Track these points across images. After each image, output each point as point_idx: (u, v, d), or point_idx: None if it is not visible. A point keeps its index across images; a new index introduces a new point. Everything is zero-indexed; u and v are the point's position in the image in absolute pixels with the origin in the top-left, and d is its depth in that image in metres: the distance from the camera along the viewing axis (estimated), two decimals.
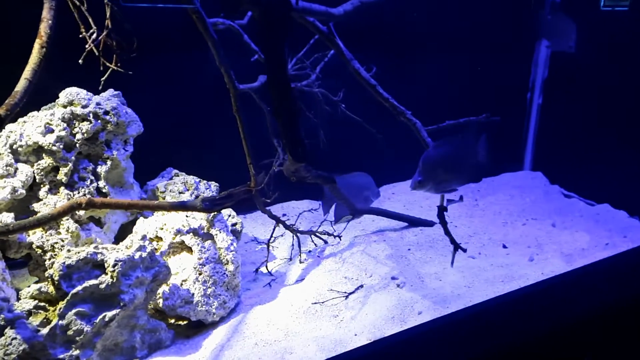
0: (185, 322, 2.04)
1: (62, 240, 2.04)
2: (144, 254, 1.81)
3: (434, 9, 2.81)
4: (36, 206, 2.04)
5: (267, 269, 2.33)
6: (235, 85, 2.04)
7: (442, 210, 2.09)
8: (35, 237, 2.01)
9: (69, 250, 1.72)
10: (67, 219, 2.05)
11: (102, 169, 2.17)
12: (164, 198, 2.35)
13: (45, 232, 2.03)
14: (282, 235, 2.57)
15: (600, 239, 2.43)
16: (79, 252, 1.72)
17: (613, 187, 2.70)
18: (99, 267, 1.75)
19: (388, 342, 1.87)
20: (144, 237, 1.85)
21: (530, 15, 2.94)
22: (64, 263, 1.69)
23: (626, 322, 2.19)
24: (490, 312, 2.14)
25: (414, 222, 2.61)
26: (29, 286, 1.77)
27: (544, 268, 2.23)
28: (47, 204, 2.04)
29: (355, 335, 1.94)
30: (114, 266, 1.73)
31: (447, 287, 2.20)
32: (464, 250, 2.13)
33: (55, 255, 2.02)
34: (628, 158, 2.59)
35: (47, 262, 2.02)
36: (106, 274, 1.74)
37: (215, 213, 2.08)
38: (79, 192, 2.11)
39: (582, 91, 2.85)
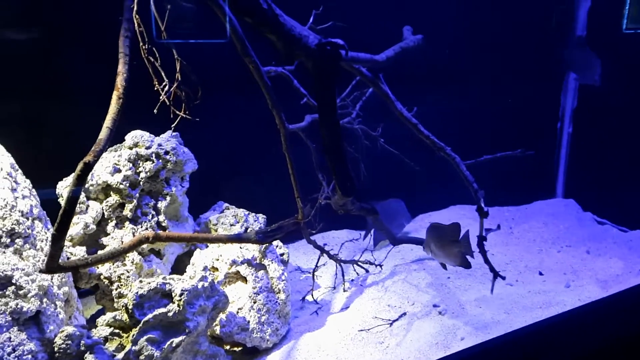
0: (240, 349, 2.17)
1: (128, 272, 2.21)
2: (206, 284, 1.96)
3: (464, 44, 2.97)
4: (104, 240, 2.23)
5: (313, 298, 2.46)
6: (285, 125, 2.21)
7: (481, 239, 2.20)
8: (104, 268, 2.19)
9: (140, 281, 1.89)
10: (132, 252, 2.23)
11: (162, 204, 2.36)
12: (216, 230, 2.52)
13: (113, 264, 2.21)
14: (324, 265, 2.71)
15: (634, 264, 2.49)
16: (149, 283, 1.88)
17: None
18: (167, 296, 1.91)
19: None
20: (205, 268, 2.00)
21: (559, 47, 3.07)
22: (137, 293, 1.86)
23: None
24: (530, 337, 2.22)
25: None
26: (93, 314, 1.94)
27: (580, 294, 2.30)
28: (114, 237, 2.23)
29: None
30: (180, 295, 1.89)
31: (487, 313, 2.29)
32: (503, 278, 2.23)
33: (121, 285, 2.19)
34: None
35: (114, 292, 2.20)
36: (173, 302, 1.89)
37: (267, 245, 2.23)
38: (141, 226, 2.29)
39: (611, 119, 2.94)
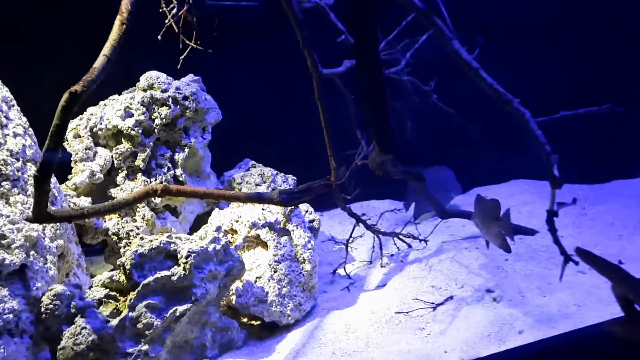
0: (258, 323, 1.90)
1: (138, 228, 1.98)
2: (218, 247, 1.69)
3: None
4: (113, 191, 2.00)
5: (345, 271, 2.15)
6: (318, 69, 1.88)
7: (551, 215, 1.79)
8: (111, 223, 1.96)
9: (142, 238, 1.63)
10: (144, 207, 1.99)
11: (179, 157, 2.10)
12: (240, 189, 2.24)
13: (122, 219, 1.98)
14: (361, 236, 2.38)
15: None
16: (152, 241, 1.63)
17: None
18: (171, 257, 1.65)
19: None
20: (218, 229, 1.73)
21: None
22: (136, 251, 1.60)
23: None
24: (606, 337, 1.82)
25: (521, 231, 2.31)
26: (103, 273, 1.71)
27: None
28: (125, 189, 1.99)
29: (445, 352, 1.70)
30: (186, 257, 1.62)
31: (552, 304, 1.90)
32: (576, 263, 1.82)
33: (130, 243, 1.96)
34: None
35: (122, 250, 1.97)
36: (179, 265, 1.63)
37: (293, 207, 1.93)
38: (156, 179, 2.04)
39: None
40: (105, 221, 1.95)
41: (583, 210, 2.49)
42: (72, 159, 1.93)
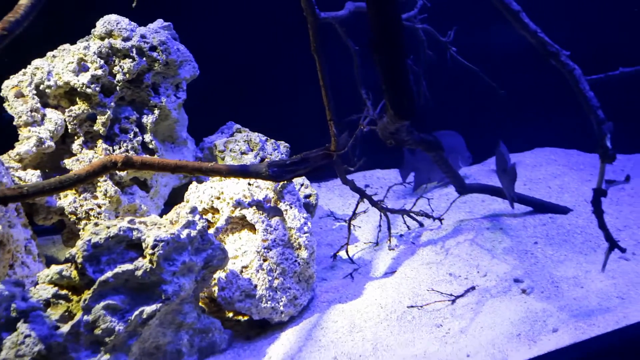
0: (246, 319, 1.60)
1: (99, 207, 1.65)
2: (194, 232, 1.38)
3: None
4: (68, 162, 1.65)
5: (347, 255, 1.85)
6: (315, 12, 1.51)
7: (598, 194, 1.48)
8: (66, 201, 1.63)
9: (96, 225, 1.30)
10: (105, 180, 1.65)
11: (148, 120, 1.74)
12: (223, 159, 1.90)
13: (79, 196, 1.64)
14: (365, 212, 2.07)
15: None
16: (109, 227, 1.30)
17: None
18: (135, 247, 1.34)
19: None
20: (193, 211, 1.40)
21: None
22: (89, 241, 1.28)
23: None
24: None
25: (541, 206, 2.00)
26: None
27: None
28: (82, 160, 1.65)
29: (468, 356, 1.44)
30: (153, 247, 1.31)
31: (591, 297, 1.63)
32: (623, 251, 1.53)
33: (90, 224, 1.63)
34: None
35: (82, 232, 1.65)
36: (144, 257, 1.32)
37: (285, 182, 1.59)
38: (120, 147, 1.69)
39: None
40: (59, 199, 1.62)
41: (620, 185, 2.18)
42: (15, 123, 1.58)
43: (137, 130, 1.74)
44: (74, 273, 1.32)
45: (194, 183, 1.75)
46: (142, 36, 1.68)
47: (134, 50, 1.66)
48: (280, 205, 1.59)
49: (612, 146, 1.35)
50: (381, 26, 1.22)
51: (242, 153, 1.86)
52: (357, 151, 1.86)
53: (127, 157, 1.41)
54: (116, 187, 1.67)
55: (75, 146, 1.66)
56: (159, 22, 1.78)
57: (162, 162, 1.48)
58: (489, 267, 1.75)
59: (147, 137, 1.75)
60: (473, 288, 1.70)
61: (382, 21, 1.21)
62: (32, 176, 1.56)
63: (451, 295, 1.65)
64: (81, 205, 1.63)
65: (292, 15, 1.63)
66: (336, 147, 1.63)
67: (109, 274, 1.31)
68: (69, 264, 1.34)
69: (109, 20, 1.66)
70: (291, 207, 1.58)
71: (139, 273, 1.32)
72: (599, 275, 1.71)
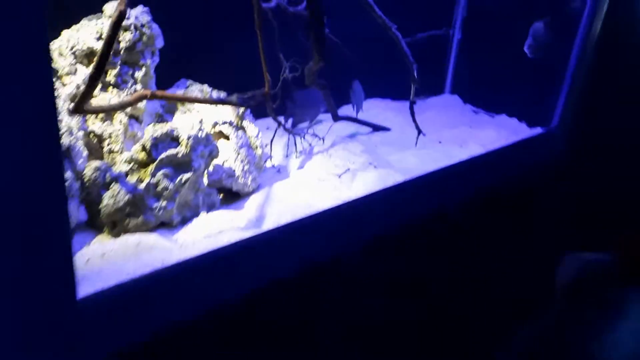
0: (222, 195, 2.59)
1: (117, 130, 2.44)
2: (203, 134, 2.33)
3: None
4: (92, 101, 2.39)
5: (271, 161, 2.94)
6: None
7: (412, 103, 2.89)
8: (95, 126, 2.38)
9: (154, 126, 2.18)
10: (120, 113, 2.45)
11: (138, 74, 2.57)
12: (184, 104, 2.80)
13: (103, 123, 2.41)
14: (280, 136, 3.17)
15: (501, 134, 3.45)
16: (161, 128, 2.19)
17: (507, 104, 3.74)
18: (175, 140, 2.24)
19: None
20: (200, 122, 2.34)
21: None
22: (152, 135, 2.15)
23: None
24: (438, 174, 2.97)
25: (376, 127, 3.39)
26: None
27: (470, 151, 3.16)
28: (102, 99, 2.42)
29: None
30: (187, 140, 2.23)
31: (409, 165, 3.02)
32: (424, 134, 2.97)
33: (112, 142, 2.42)
34: (517, 81, 3.63)
35: (105, 149, 2.42)
36: (181, 145, 2.23)
37: (243, 109, 2.63)
38: (123, 92, 2.50)
39: (493, 30, 3.78)
40: (89, 125, 2.37)
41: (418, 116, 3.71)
42: (58, 74, 2.27)
43: (132, 81, 2.55)
44: (142, 155, 2.15)
45: (178, 114, 2.64)
46: (136, 17, 2.50)
47: (132, 26, 2.48)
48: (243, 123, 2.61)
49: (417, 77, 2.75)
50: (312, 11, 2.35)
51: None
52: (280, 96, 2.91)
53: (153, 92, 2.28)
54: (127, 118, 2.48)
55: (96, 91, 2.41)
56: (141, 7, 2.60)
57: (174, 95, 2.38)
58: (355, 159, 3.02)
59: (138, 87, 2.57)
60: (348, 169, 2.96)
61: (312, 8, 2.34)
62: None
63: (337, 174, 2.88)
64: (105, 130, 2.40)
65: None
66: (268, 90, 2.71)
67: (163, 155, 2.17)
68: (138, 150, 2.16)
69: (115, 5, 2.45)
70: (249, 124, 2.62)
71: (179, 155, 2.22)
72: (409, 156, 3.12)
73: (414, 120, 2.81)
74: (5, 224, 1.34)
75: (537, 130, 3.61)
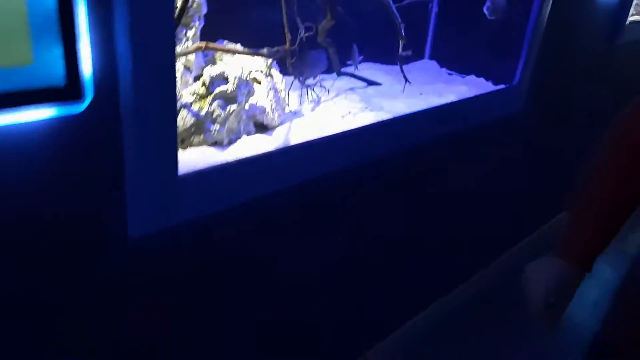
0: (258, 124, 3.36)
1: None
2: (245, 77, 3.09)
3: None
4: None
5: (288, 108, 3.71)
6: None
7: (401, 61, 3.68)
8: None
9: (210, 67, 2.94)
10: (178, 62, 3.19)
11: (190, 33, 3.31)
12: (221, 59, 3.55)
13: None
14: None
15: (472, 88, 4.27)
16: (216, 69, 2.95)
17: (476, 66, 4.56)
18: (225, 79, 3.00)
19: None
20: (242, 67, 3.10)
21: None
22: (210, 75, 2.91)
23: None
24: (416, 117, 3.80)
25: (370, 82, 4.19)
26: None
27: (446, 100, 3.98)
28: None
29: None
30: (234, 79, 2.99)
31: (397, 109, 3.83)
32: (410, 83, 3.77)
33: None
34: (485, 46, 4.44)
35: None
36: (229, 83, 2.99)
37: (271, 60, 3.40)
38: (180, 45, 3.24)
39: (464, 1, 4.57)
40: None
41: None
42: None
43: (185, 38, 3.29)
44: (202, 89, 2.91)
45: (220, 62, 3.39)
46: None
47: None
48: (271, 71, 3.38)
49: (404, 35, 3.53)
50: None
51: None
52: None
53: (207, 44, 3.04)
54: (183, 67, 3.22)
55: None
56: None
57: (222, 47, 3.13)
58: (354, 105, 3.77)
59: (189, 43, 3.32)
60: (349, 112, 3.74)
61: None
62: None
63: (343, 115, 3.67)
64: None
65: None
66: (289, 46, 3.47)
67: (217, 90, 2.93)
68: (199, 86, 2.91)
69: None
70: (276, 72, 3.38)
71: (228, 91, 2.98)
72: (399, 103, 3.92)
73: (402, 71, 3.60)
74: (148, 116, 2.11)
75: (501, 86, 4.44)
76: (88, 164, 2.00)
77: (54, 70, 1.82)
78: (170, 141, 2.30)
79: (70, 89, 1.84)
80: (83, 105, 1.90)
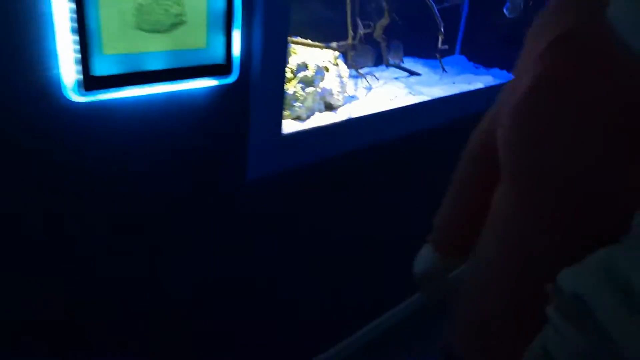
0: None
1: None
2: (320, 65, 3.98)
3: None
4: None
5: (347, 92, 4.59)
6: None
7: (439, 49, 4.53)
8: None
9: (291, 57, 3.84)
10: None
11: None
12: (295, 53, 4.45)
13: None
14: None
15: (495, 81, 5.10)
16: (299, 59, 3.84)
17: (498, 58, 5.39)
18: (305, 66, 3.89)
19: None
20: (317, 59, 3.98)
21: None
22: (297, 64, 3.81)
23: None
24: (451, 99, 4.64)
25: (411, 72, 5.04)
26: None
27: (475, 87, 4.81)
28: None
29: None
30: (313, 67, 3.88)
31: (435, 94, 4.67)
32: (446, 72, 4.61)
33: None
34: (507, 42, 5.26)
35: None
36: (309, 70, 3.88)
37: (338, 52, 4.28)
38: None
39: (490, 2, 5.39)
40: None
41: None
42: None
43: None
44: (289, 74, 3.80)
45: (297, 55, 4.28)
46: None
47: None
48: (337, 62, 4.26)
49: (444, 31, 4.35)
50: None
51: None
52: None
53: (291, 38, 3.94)
54: None
55: None
56: None
57: (303, 41, 4.03)
58: (400, 91, 4.59)
59: None
60: (396, 96, 4.59)
61: None
62: None
63: (390, 99, 4.52)
64: None
65: None
66: (351, 41, 4.34)
67: (300, 74, 3.81)
68: (287, 71, 3.80)
69: None
70: (341, 62, 4.26)
71: (308, 76, 3.86)
72: (437, 89, 4.76)
73: (440, 62, 4.43)
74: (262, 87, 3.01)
75: None
76: (231, 119, 2.91)
77: (218, 52, 2.70)
78: (278, 107, 3.19)
79: (227, 66, 2.74)
80: (233, 78, 2.81)
